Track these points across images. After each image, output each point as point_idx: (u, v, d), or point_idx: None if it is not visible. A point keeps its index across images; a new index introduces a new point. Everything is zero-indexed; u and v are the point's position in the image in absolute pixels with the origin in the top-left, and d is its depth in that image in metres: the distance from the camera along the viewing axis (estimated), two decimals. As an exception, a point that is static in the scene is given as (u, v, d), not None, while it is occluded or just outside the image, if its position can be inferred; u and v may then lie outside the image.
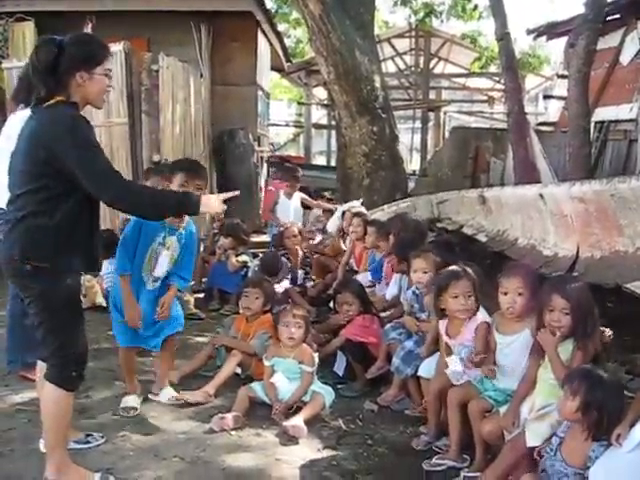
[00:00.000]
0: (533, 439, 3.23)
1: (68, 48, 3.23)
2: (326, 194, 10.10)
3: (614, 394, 2.98)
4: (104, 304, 6.74)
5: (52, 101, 3.20)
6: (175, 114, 9.66)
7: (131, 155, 8.79)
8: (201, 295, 7.47)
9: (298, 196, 8.37)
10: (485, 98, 22.93)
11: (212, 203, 3.41)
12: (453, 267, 4.11)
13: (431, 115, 20.72)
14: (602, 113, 11.27)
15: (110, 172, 3.21)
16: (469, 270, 4.03)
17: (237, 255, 7.32)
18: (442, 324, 4.08)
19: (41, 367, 3.50)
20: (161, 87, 8.94)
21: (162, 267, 4.28)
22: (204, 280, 7.71)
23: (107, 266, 6.36)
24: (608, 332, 3.53)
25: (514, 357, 3.60)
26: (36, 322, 3.29)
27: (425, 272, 4.63)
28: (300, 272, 7.26)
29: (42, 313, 3.26)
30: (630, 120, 10.88)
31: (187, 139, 10.39)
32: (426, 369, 4.25)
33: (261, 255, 7.15)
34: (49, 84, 3.19)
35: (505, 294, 3.65)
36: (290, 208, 8.52)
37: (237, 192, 3.71)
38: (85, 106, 3.37)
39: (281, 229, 7.43)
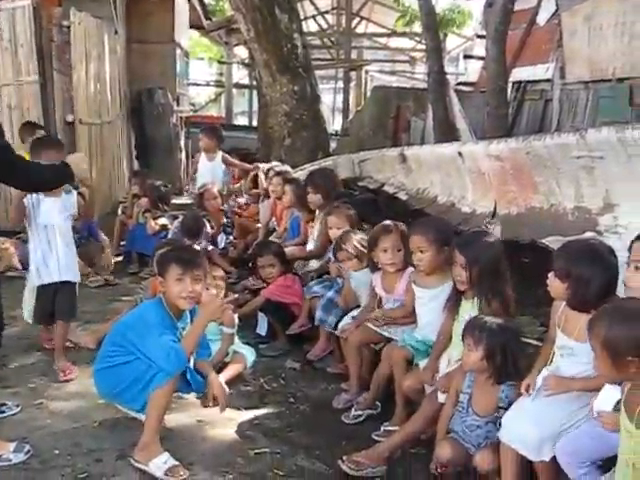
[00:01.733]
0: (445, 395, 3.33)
1: None
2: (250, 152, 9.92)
3: (513, 336, 3.11)
4: (19, 266, 6.53)
5: None
6: (89, 72, 9.31)
7: (43, 115, 8.44)
8: (120, 258, 7.32)
9: (220, 156, 8.24)
10: (407, 58, 23.02)
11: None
12: (386, 222, 4.15)
13: (353, 75, 20.67)
14: (519, 73, 11.45)
15: (18, 162, 3.42)
16: (400, 225, 4.07)
17: (155, 218, 7.18)
18: (377, 277, 4.13)
19: None
20: (73, 44, 8.58)
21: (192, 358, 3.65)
22: (123, 243, 7.55)
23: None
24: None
25: (436, 311, 3.65)
26: None
27: (339, 228, 4.66)
28: (221, 235, 7.15)
29: None
30: (546, 80, 11.09)
31: (103, 98, 10.06)
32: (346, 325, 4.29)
33: (181, 216, 7.03)
34: None
35: (412, 252, 3.72)
36: (211, 169, 8.36)
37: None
38: None
39: (200, 191, 7.30)
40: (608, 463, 2.45)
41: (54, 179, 3.96)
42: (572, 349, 2.90)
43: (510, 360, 3.05)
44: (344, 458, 3.30)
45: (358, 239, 4.34)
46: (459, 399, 3.21)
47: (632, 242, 2.75)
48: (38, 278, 4.55)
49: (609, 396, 2.47)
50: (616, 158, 4.93)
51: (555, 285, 2.92)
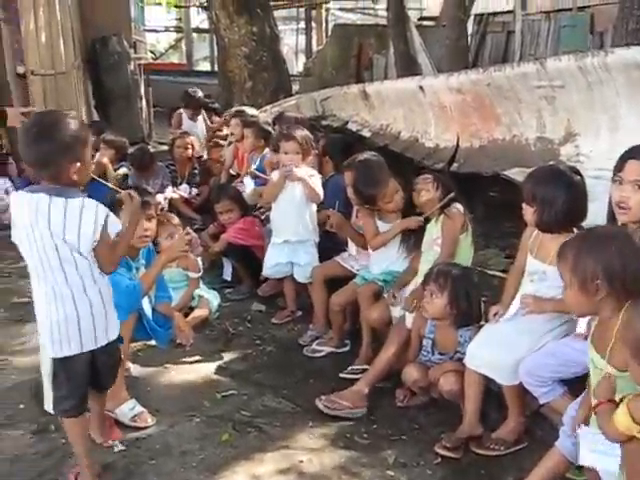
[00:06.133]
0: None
1: None
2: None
3: (473, 283, 3.27)
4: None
5: None
6: (38, 21, 8.99)
7: (-8, 67, 8.16)
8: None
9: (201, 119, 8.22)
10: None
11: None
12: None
13: (314, 14, 20.28)
14: (481, 5, 11.30)
15: None
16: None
17: (116, 170, 6.96)
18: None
19: None
20: (19, -9, 8.27)
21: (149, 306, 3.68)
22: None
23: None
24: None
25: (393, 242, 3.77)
26: None
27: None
28: (184, 186, 6.95)
29: None
30: (508, 12, 10.97)
31: (55, 48, 9.72)
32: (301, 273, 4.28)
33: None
34: None
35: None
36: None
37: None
38: None
39: (173, 137, 7.14)
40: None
41: None
42: (545, 273, 2.90)
43: (474, 305, 3.18)
44: (322, 398, 3.28)
45: (304, 134, 4.28)
46: (422, 344, 3.29)
47: (622, 161, 2.56)
48: None
49: None
50: (576, 86, 4.88)
51: (525, 211, 2.92)
